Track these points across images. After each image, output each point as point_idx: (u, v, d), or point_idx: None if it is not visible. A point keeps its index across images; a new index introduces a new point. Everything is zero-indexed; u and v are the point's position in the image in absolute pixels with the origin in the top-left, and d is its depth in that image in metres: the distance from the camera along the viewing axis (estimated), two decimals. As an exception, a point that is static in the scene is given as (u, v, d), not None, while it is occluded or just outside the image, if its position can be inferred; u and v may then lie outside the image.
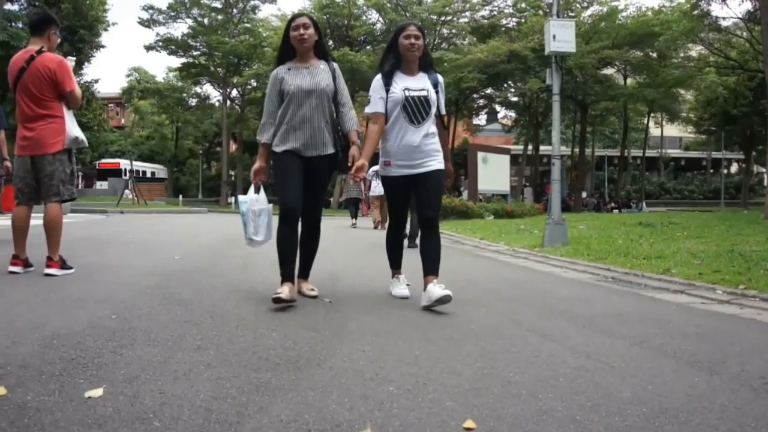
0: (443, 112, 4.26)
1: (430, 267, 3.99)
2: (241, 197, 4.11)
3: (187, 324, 3.17)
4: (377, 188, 12.83)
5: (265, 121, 4.07)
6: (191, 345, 2.74)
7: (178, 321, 3.23)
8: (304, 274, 4.32)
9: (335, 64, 4.17)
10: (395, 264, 4.44)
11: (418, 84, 4.07)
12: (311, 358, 2.60)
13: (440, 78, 4.22)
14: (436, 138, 4.13)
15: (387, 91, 4.04)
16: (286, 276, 3.84)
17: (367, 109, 4.10)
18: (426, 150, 4.04)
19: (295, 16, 4.11)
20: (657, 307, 4.35)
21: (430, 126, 4.10)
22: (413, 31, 4.05)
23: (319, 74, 4.01)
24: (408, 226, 5.83)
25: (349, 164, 3.92)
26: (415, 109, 4.01)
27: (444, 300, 3.71)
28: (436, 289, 3.77)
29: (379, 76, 4.12)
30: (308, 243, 4.25)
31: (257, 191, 4.07)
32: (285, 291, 3.66)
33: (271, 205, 4.06)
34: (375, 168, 11.24)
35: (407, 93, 4.01)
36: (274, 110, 4.03)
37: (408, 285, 4.37)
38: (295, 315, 3.53)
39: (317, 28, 4.08)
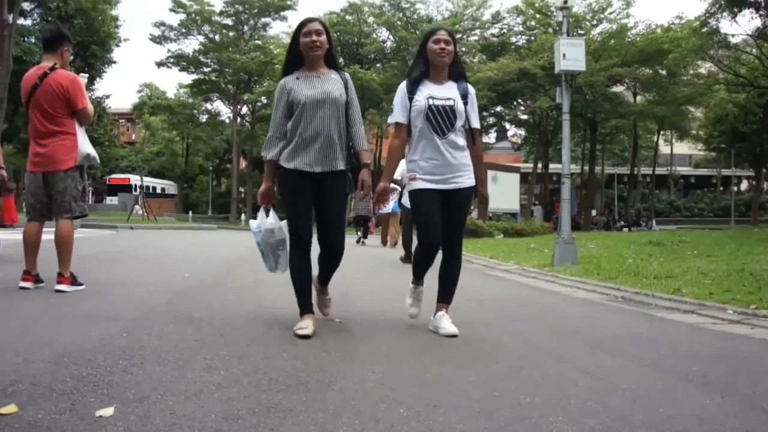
0: (474, 125, 3.89)
1: (445, 295, 3.87)
2: (252, 225, 3.95)
3: (197, 343, 3.17)
4: (388, 205, 12.53)
5: (272, 135, 3.71)
6: (202, 364, 2.74)
7: (189, 340, 3.24)
8: (324, 281, 4.01)
9: (347, 74, 3.85)
10: (418, 275, 4.07)
11: (445, 93, 3.79)
12: (322, 380, 2.60)
13: (471, 89, 3.90)
14: (466, 152, 3.84)
15: (411, 99, 3.78)
16: (305, 308, 3.61)
17: (389, 119, 3.91)
18: (454, 164, 3.76)
19: (306, 21, 3.72)
20: (667, 327, 4.32)
21: (459, 138, 3.80)
22: (443, 36, 3.78)
23: (331, 83, 3.68)
24: (414, 240, 5.48)
25: (360, 189, 3.73)
26: (439, 118, 3.72)
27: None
28: (445, 324, 3.72)
29: (404, 84, 3.87)
30: (331, 261, 3.85)
31: (267, 215, 3.87)
32: (309, 326, 3.47)
33: (284, 223, 3.82)
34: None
35: (431, 101, 3.72)
36: (282, 123, 3.68)
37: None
38: (305, 334, 3.51)
39: (329, 35, 3.73)
